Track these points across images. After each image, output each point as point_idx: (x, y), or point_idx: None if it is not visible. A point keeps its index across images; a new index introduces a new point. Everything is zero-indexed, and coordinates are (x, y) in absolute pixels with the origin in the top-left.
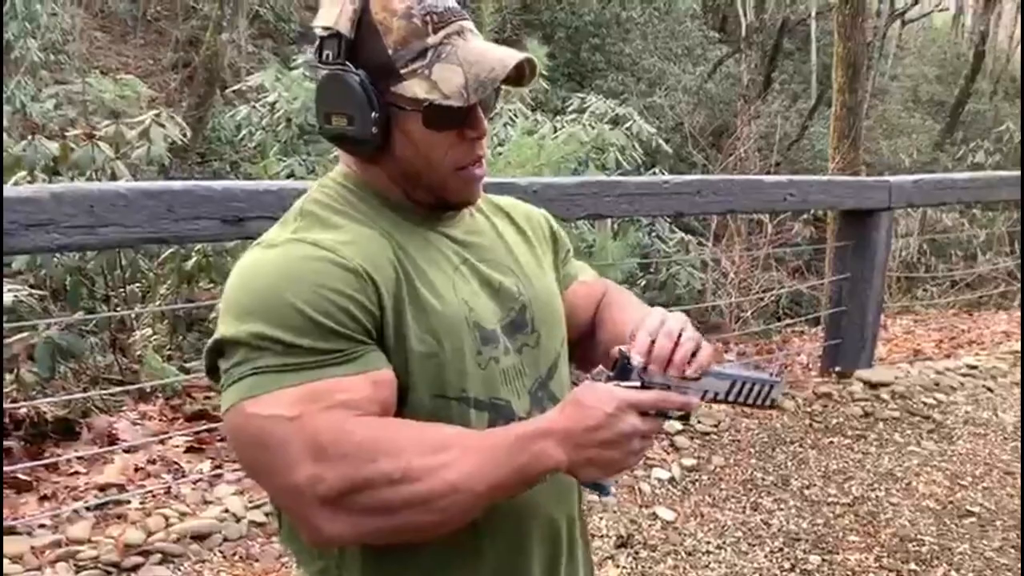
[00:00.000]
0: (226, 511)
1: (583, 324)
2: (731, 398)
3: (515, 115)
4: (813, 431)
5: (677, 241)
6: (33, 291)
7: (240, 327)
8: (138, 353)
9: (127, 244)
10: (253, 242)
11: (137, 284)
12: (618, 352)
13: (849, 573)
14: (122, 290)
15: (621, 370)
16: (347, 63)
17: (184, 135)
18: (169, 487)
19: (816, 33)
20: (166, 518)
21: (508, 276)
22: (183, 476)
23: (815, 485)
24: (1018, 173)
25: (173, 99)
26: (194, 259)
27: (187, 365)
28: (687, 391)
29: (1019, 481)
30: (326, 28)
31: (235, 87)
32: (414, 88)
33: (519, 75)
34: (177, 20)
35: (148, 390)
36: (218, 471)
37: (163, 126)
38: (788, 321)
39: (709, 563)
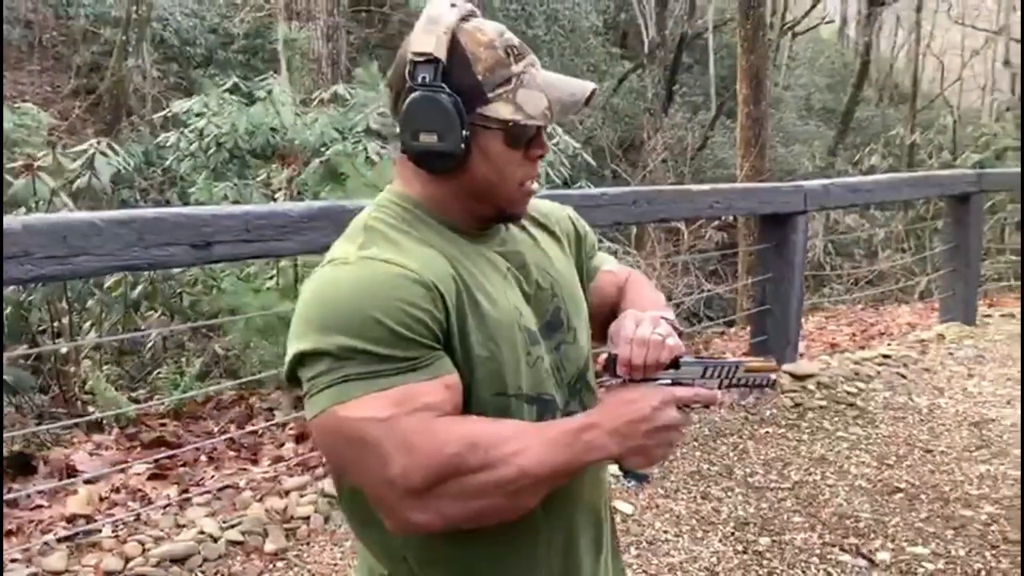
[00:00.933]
0: (201, 532)
1: (609, 308)
2: (742, 383)
3: None
4: (749, 423)
5: (605, 250)
6: None
7: (325, 340)
8: (88, 384)
9: (100, 272)
10: (323, 259)
11: (79, 315)
12: (608, 355)
13: (797, 551)
14: (64, 321)
15: (612, 368)
16: (443, 85)
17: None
18: (139, 514)
19: (714, 46)
20: (142, 544)
21: (544, 278)
22: (150, 503)
23: (757, 472)
24: (914, 174)
25: (76, 128)
26: (140, 286)
27: (135, 394)
28: (710, 383)
29: (940, 459)
30: (422, 54)
31: (161, 113)
32: (500, 110)
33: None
34: (76, 46)
35: (101, 421)
36: (186, 495)
37: (106, 155)
38: (709, 324)
39: (669, 551)
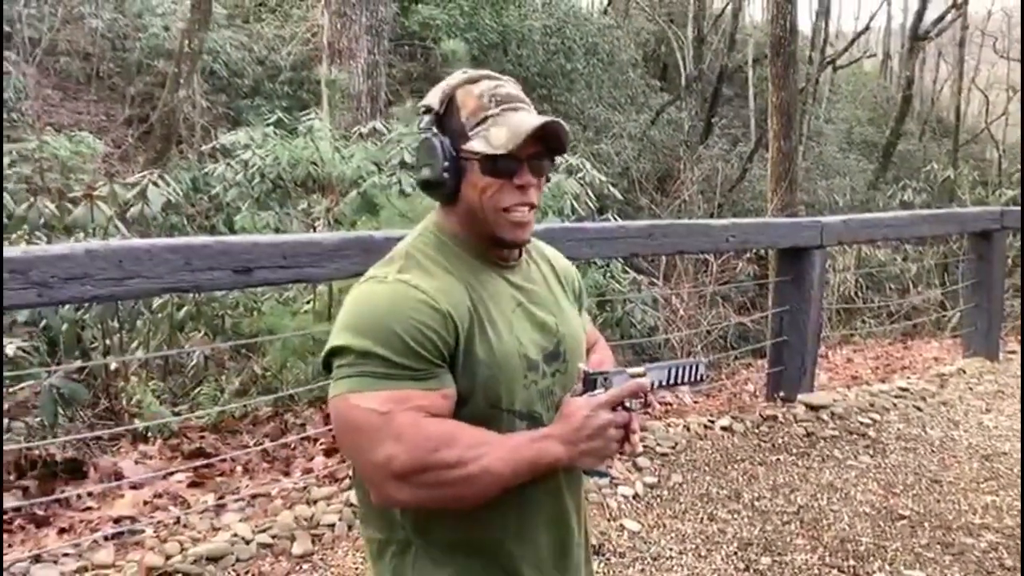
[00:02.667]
0: (235, 535)
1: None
2: (672, 381)
3: None
4: (761, 450)
5: (630, 281)
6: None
7: (354, 340)
8: (136, 398)
9: (150, 294)
10: (364, 274)
11: (128, 334)
12: (581, 371)
13: (796, 571)
14: (116, 338)
15: (589, 384)
16: (433, 129)
17: (179, 194)
18: (179, 517)
19: (753, 79)
20: (181, 544)
21: (551, 316)
22: (189, 507)
23: (764, 497)
24: (935, 211)
25: (128, 155)
26: (185, 308)
27: (177, 409)
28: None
29: (947, 489)
30: (425, 107)
31: (210, 145)
32: (475, 145)
33: (557, 142)
34: (131, 77)
35: (146, 432)
36: (221, 501)
37: (158, 185)
38: (734, 352)
39: (672, 567)
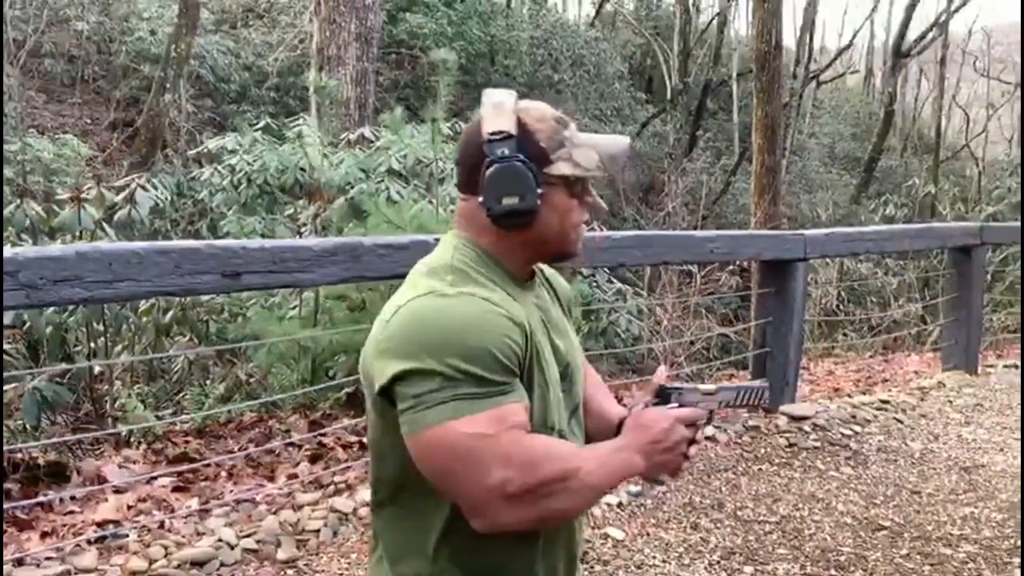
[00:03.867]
0: (220, 540)
1: None
2: (740, 402)
3: None
4: (744, 460)
5: (615, 291)
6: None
7: (437, 362)
8: (121, 402)
9: (139, 297)
10: (417, 291)
11: (112, 338)
12: (658, 387)
13: None
14: (99, 342)
15: (664, 396)
16: (519, 155)
17: (166, 199)
18: (163, 522)
19: (738, 94)
20: (165, 548)
21: (562, 338)
22: (173, 512)
23: (747, 507)
24: (916, 226)
25: (112, 158)
26: (171, 312)
27: (162, 413)
28: (710, 404)
29: (926, 500)
30: (498, 132)
31: (197, 149)
32: (561, 168)
33: None
34: (117, 81)
35: (130, 436)
36: (206, 506)
37: (146, 189)
38: (717, 363)
39: (656, 575)
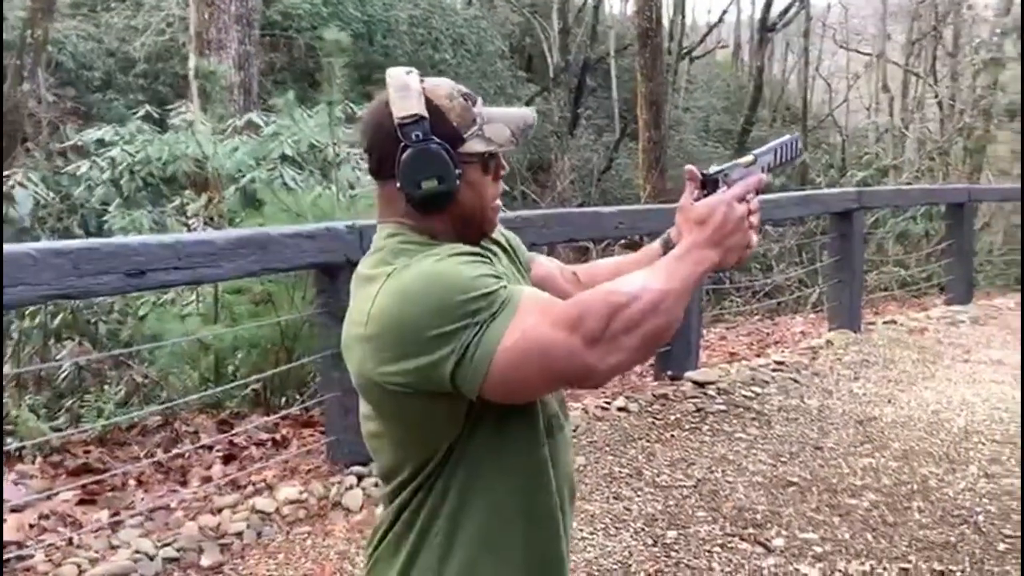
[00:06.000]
0: (137, 552)
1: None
2: (779, 161)
3: (361, 158)
4: (656, 427)
5: None
6: None
7: (457, 309)
8: (14, 414)
9: (37, 302)
10: (380, 272)
11: None
12: (701, 178)
13: (701, 542)
14: None
15: (711, 184)
16: (432, 137)
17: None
18: (71, 538)
19: (615, 71)
20: (78, 566)
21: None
22: (81, 527)
23: (664, 473)
24: (800, 193)
25: None
26: (60, 316)
27: (56, 423)
28: (755, 173)
29: (829, 454)
30: (410, 116)
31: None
32: (475, 146)
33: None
34: None
35: (20, 451)
36: (117, 518)
37: (25, 186)
38: None
39: (584, 547)
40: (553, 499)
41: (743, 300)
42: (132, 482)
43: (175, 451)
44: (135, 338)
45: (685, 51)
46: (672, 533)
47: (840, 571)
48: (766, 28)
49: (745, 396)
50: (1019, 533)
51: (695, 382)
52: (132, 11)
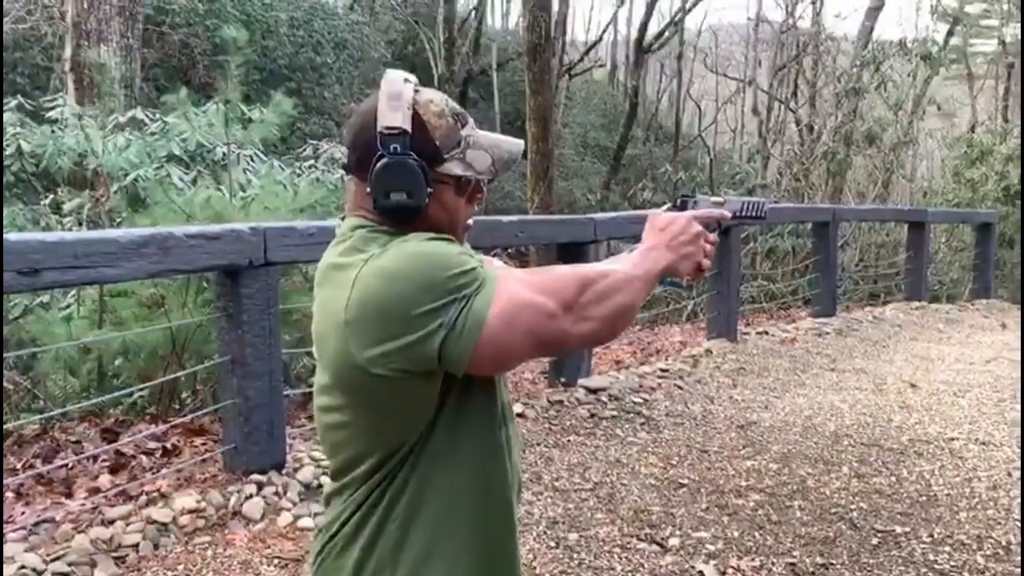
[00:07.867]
0: (23, 568)
1: None
2: (743, 214)
3: (251, 160)
4: (553, 433)
5: None
6: None
7: (441, 285)
8: None
9: None
10: (356, 259)
11: None
12: (679, 197)
13: (601, 543)
14: None
15: (681, 206)
16: (410, 153)
17: None
18: None
19: (497, 84)
20: None
21: None
22: None
23: (562, 477)
24: None
25: None
26: None
27: None
28: (718, 211)
29: (714, 457)
30: (392, 128)
31: None
32: (453, 168)
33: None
34: None
35: None
36: None
37: None
38: None
39: None
40: (509, 483)
41: None
42: (10, 495)
43: (57, 463)
44: (10, 341)
45: (565, 68)
46: (574, 535)
47: (733, 567)
48: (642, 50)
49: (635, 402)
50: (889, 528)
51: (588, 388)
52: None
